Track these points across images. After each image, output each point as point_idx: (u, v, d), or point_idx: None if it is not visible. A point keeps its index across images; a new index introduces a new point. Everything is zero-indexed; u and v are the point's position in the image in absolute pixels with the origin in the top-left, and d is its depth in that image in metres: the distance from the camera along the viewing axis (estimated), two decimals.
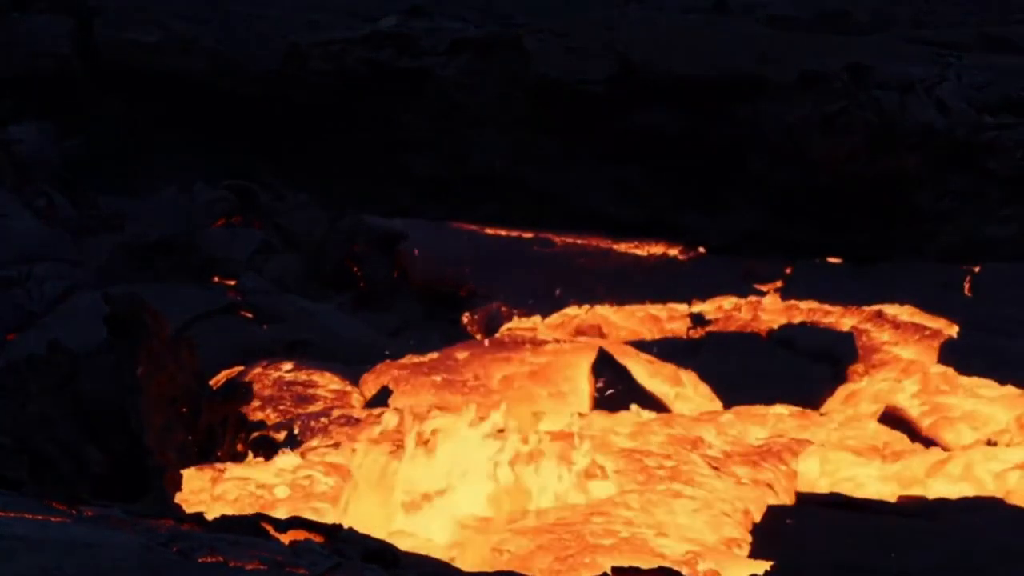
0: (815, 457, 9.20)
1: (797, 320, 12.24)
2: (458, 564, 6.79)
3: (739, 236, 14.74)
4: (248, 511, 7.57)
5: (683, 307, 12.53)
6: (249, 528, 5.69)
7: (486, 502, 8.29)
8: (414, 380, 10.51)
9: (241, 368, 10.77)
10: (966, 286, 13.25)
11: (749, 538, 8.00)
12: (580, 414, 9.72)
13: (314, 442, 9.28)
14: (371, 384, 10.60)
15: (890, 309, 12.08)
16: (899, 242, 14.36)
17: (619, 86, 15.52)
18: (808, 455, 9.18)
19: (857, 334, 11.78)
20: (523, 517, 8.06)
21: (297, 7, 18.23)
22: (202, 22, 17.84)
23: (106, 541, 4.83)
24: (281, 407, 10.09)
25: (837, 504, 8.48)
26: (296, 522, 5.86)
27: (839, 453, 9.29)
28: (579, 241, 14.68)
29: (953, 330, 11.67)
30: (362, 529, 6.25)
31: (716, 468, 8.81)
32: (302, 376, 10.64)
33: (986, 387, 10.30)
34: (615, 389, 10.24)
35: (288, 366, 10.79)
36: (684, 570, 7.04)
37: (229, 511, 7.49)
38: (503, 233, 14.78)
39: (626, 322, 12.29)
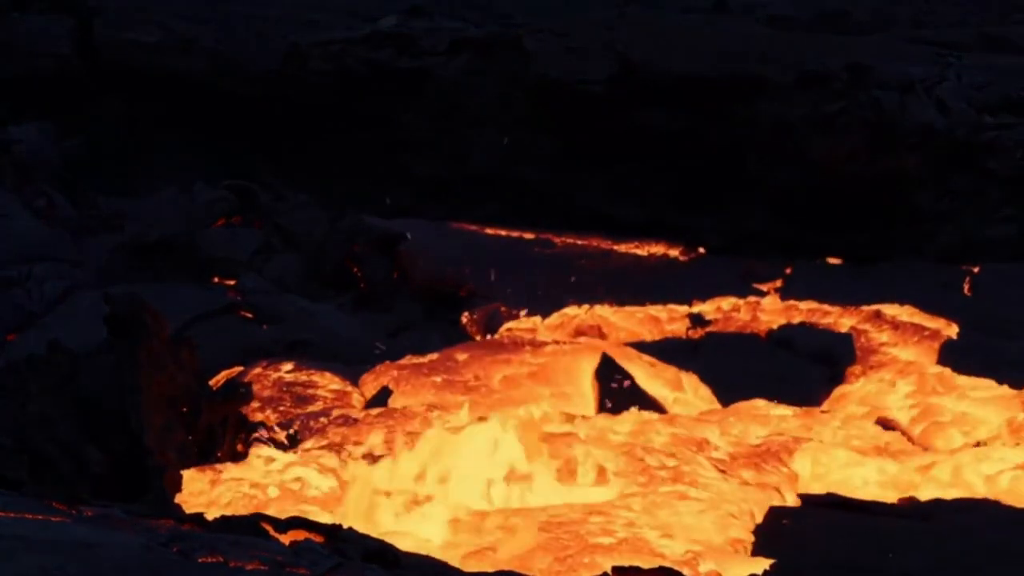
0: (813, 457, 9.21)
1: (796, 321, 12.24)
2: (456, 564, 6.79)
3: (739, 236, 14.73)
4: (241, 512, 7.57)
5: (683, 308, 12.53)
6: (249, 528, 5.70)
7: (485, 502, 8.29)
8: (414, 380, 10.52)
9: (241, 368, 10.78)
10: (966, 286, 13.25)
11: (751, 539, 8.01)
12: (580, 415, 9.73)
13: (313, 443, 9.29)
14: (371, 384, 10.61)
15: (889, 309, 12.08)
16: (899, 242, 14.36)
17: (619, 86, 15.51)
18: (806, 455, 9.19)
19: (856, 335, 11.79)
20: (522, 517, 8.06)
21: (297, 7, 18.23)
22: (202, 22, 17.84)
23: (106, 541, 4.84)
24: (281, 407, 10.10)
25: (835, 504, 8.49)
26: (296, 522, 5.86)
27: (837, 453, 9.29)
28: (579, 242, 14.68)
29: (952, 330, 11.67)
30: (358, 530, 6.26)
31: (718, 468, 8.81)
32: (302, 376, 10.64)
33: (980, 389, 10.29)
34: (616, 392, 10.25)
35: (288, 366, 10.79)
36: (685, 570, 7.05)
37: (222, 513, 7.49)
38: (503, 233, 14.79)
39: (626, 323, 12.30)
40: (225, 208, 14.83)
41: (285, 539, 5.57)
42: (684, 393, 10.57)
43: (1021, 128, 14.77)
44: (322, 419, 9.77)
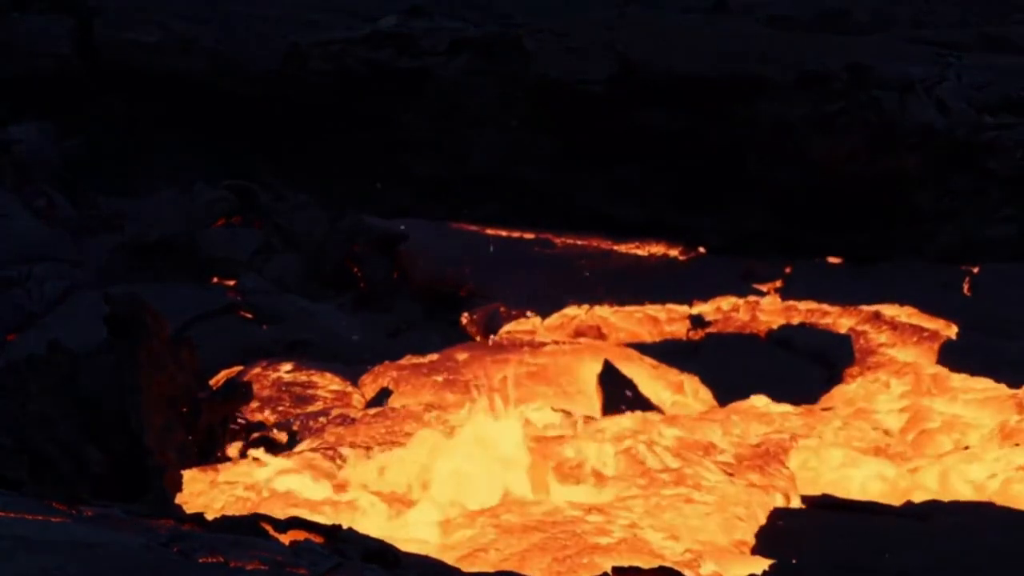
0: (811, 457, 9.22)
1: (796, 321, 12.25)
2: (454, 564, 6.80)
3: (739, 236, 14.73)
4: (237, 513, 7.58)
5: (683, 308, 12.54)
6: (249, 528, 5.71)
7: (483, 503, 8.29)
8: (414, 381, 10.53)
9: (241, 368, 10.78)
10: (965, 286, 13.25)
11: (752, 540, 8.01)
12: (580, 415, 9.73)
13: (311, 443, 9.29)
14: (371, 385, 10.62)
15: (888, 310, 12.08)
16: (899, 242, 14.35)
17: (619, 86, 15.51)
18: (803, 455, 9.20)
19: (855, 336, 11.79)
20: (520, 517, 8.06)
21: (297, 7, 18.22)
22: (202, 22, 17.84)
23: (106, 541, 4.84)
24: (280, 408, 10.11)
25: (832, 505, 8.49)
26: (296, 522, 5.88)
27: (834, 452, 9.30)
28: (579, 242, 14.68)
29: (952, 331, 11.67)
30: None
31: (721, 469, 8.81)
32: (302, 376, 10.65)
33: (975, 391, 10.27)
34: (617, 396, 10.26)
35: (288, 366, 10.80)
36: (685, 571, 7.05)
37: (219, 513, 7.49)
38: (503, 234, 14.79)
39: (625, 323, 12.31)
40: (225, 208, 14.83)
41: (285, 539, 5.58)
42: (684, 394, 10.58)
43: (1021, 128, 14.76)
44: (321, 419, 9.78)
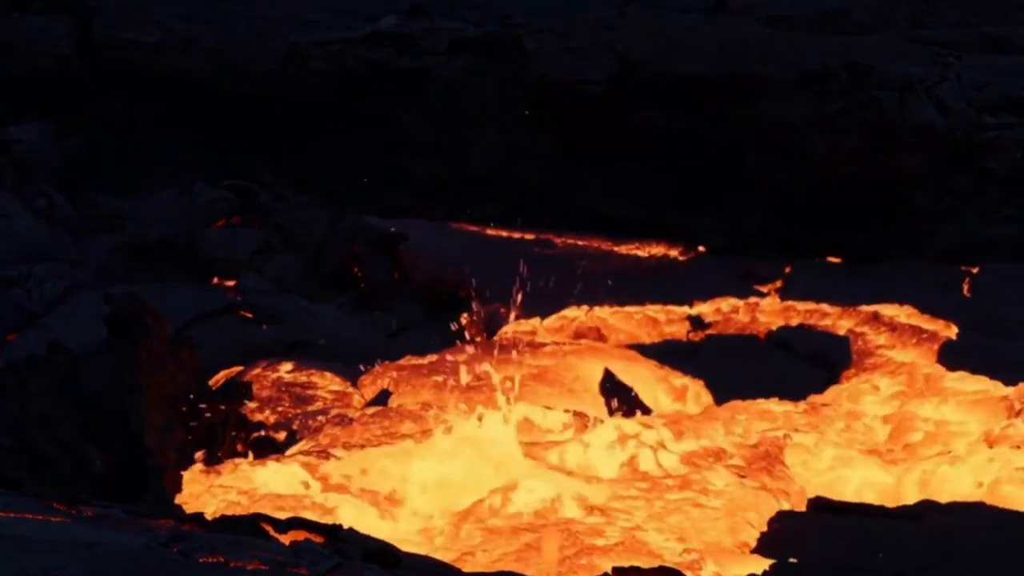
0: (809, 457, 9.22)
1: (795, 322, 12.25)
2: (452, 564, 6.80)
3: (739, 236, 14.73)
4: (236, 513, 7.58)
5: (683, 309, 12.55)
6: (249, 528, 5.71)
7: (482, 503, 8.29)
8: (414, 381, 10.53)
9: (241, 368, 10.79)
10: (965, 286, 13.25)
11: (753, 541, 8.02)
12: (580, 416, 9.73)
13: (309, 443, 9.29)
14: (370, 385, 10.62)
15: (887, 311, 12.08)
16: (899, 242, 14.36)
17: (619, 86, 15.51)
18: (801, 455, 9.20)
19: (853, 337, 11.79)
20: (519, 518, 8.06)
21: (297, 7, 18.22)
22: (202, 22, 17.84)
23: (106, 541, 4.85)
24: (280, 408, 10.11)
25: (828, 506, 8.50)
26: (296, 522, 5.88)
27: (828, 453, 9.31)
28: (580, 242, 14.68)
29: (951, 331, 11.67)
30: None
31: (720, 469, 8.81)
32: (302, 377, 10.65)
33: (969, 394, 10.25)
34: (617, 395, 10.27)
35: (288, 366, 10.80)
36: (684, 571, 7.06)
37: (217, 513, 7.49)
38: (503, 234, 14.78)
39: (625, 324, 12.31)
40: (225, 208, 14.83)
41: (285, 539, 5.58)
42: (684, 396, 10.58)
43: (1021, 128, 14.77)
44: (320, 419, 9.78)
